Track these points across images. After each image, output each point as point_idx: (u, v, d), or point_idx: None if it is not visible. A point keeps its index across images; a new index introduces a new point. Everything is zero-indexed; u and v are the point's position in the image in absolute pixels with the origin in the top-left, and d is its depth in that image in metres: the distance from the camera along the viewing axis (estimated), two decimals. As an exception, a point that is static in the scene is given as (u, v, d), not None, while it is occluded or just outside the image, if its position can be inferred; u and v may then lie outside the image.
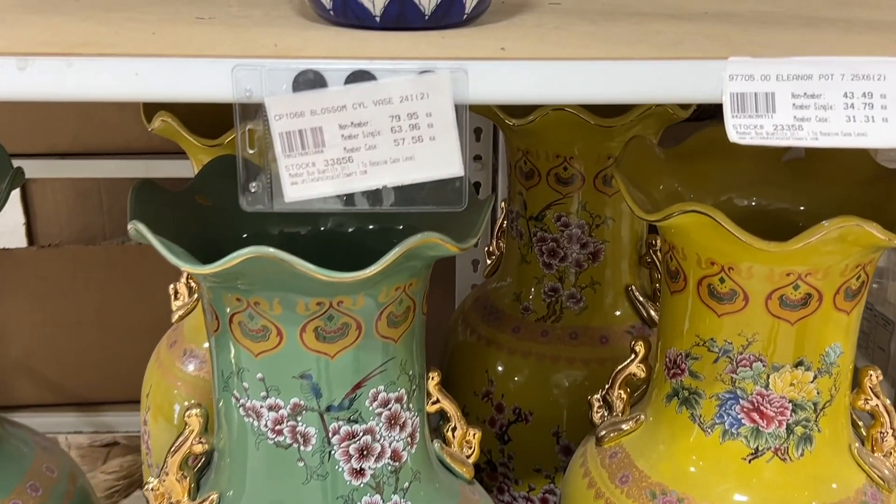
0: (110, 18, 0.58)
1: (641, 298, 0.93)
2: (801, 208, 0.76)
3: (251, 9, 0.63)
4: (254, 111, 0.49)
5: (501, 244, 1.02)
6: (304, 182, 0.49)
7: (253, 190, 0.50)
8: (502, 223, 1.02)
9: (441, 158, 0.49)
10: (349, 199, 0.50)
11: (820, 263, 0.63)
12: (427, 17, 0.55)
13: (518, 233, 0.95)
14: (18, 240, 1.38)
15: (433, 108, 0.49)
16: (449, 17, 0.56)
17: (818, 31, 0.56)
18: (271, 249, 0.52)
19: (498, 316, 0.96)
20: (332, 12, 0.56)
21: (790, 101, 0.48)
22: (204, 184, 0.68)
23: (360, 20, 0.56)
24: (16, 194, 1.39)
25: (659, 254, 0.93)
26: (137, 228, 0.56)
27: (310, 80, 0.48)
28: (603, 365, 0.90)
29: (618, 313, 0.93)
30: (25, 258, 1.30)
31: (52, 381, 1.27)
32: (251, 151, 0.49)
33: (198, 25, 0.57)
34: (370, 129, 0.49)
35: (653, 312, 0.93)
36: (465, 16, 0.57)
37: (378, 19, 0.55)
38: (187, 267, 0.54)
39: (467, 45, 0.52)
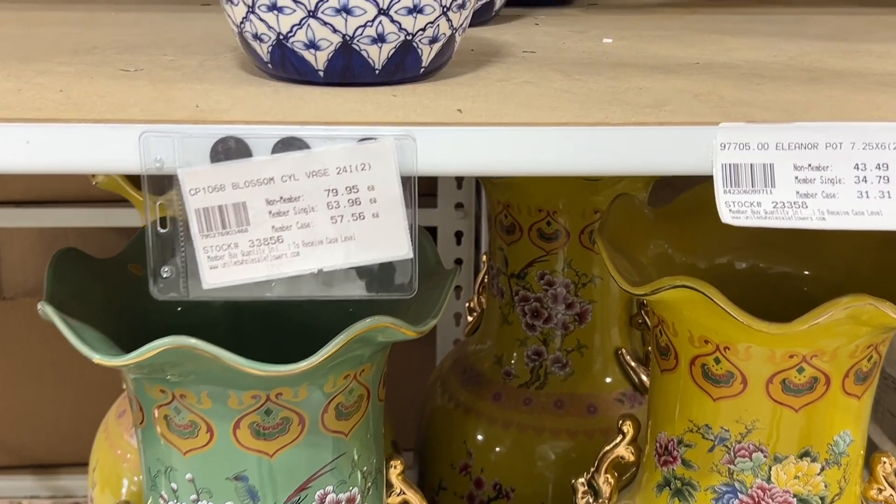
0: (21, 71, 0.51)
1: (633, 363, 0.85)
2: (806, 272, 0.69)
3: (188, 57, 0.57)
4: (166, 184, 0.42)
5: (483, 300, 0.94)
6: (226, 266, 0.42)
7: (165, 275, 0.43)
8: (483, 278, 0.95)
9: (386, 238, 0.42)
10: (279, 285, 0.43)
11: (827, 345, 0.56)
12: (378, 72, 0.49)
13: (499, 291, 0.87)
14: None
15: (376, 181, 0.42)
16: (403, 72, 0.49)
17: (823, 87, 0.49)
18: (192, 340, 0.45)
19: (478, 380, 0.89)
20: (269, 66, 0.50)
21: (792, 174, 0.41)
22: (137, 251, 0.61)
23: (301, 75, 0.49)
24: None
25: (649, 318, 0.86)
26: (45, 311, 0.49)
27: (230, 149, 0.41)
28: (591, 437, 0.83)
29: (607, 380, 0.86)
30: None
31: (9, 443, 1.19)
32: (163, 231, 0.42)
33: (118, 80, 0.50)
34: (303, 204, 0.42)
35: (645, 377, 0.86)
36: (423, 69, 0.50)
37: (321, 74, 0.48)
38: (98, 358, 0.47)
39: (419, 106, 0.45)
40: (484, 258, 0.94)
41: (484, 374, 0.89)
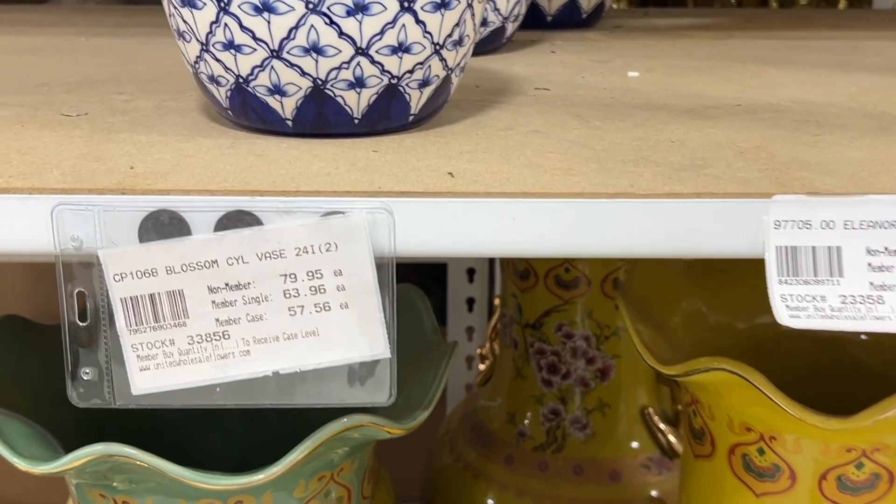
0: (-57, 117, 0.44)
1: (661, 424, 0.77)
2: (862, 336, 0.61)
3: (146, 97, 0.49)
4: (86, 268, 0.34)
5: (496, 347, 0.86)
6: (160, 367, 0.34)
7: (86, 377, 0.35)
8: (496, 324, 0.86)
9: (357, 334, 0.34)
10: (226, 390, 0.35)
11: (893, 439, 0.47)
12: (357, 121, 0.41)
13: (512, 341, 0.79)
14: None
15: (344, 265, 0.34)
16: (388, 120, 0.41)
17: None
18: (125, 449, 0.37)
19: (488, 440, 0.80)
20: (230, 112, 0.42)
21: (864, 261, 0.33)
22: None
23: (266, 124, 0.41)
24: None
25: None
26: (-37, 403, 0.42)
27: (164, 225, 0.33)
28: (613, 508, 0.74)
29: (633, 443, 0.77)
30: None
31: None
32: (82, 324, 0.34)
33: (53, 128, 0.42)
34: (254, 292, 0.34)
35: (674, 439, 0.77)
36: (412, 116, 0.42)
37: (289, 123, 0.41)
38: (19, 463, 0.39)
39: (403, 167, 0.37)
40: (497, 302, 0.86)
41: (495, 433, 0.80)
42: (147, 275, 0.34)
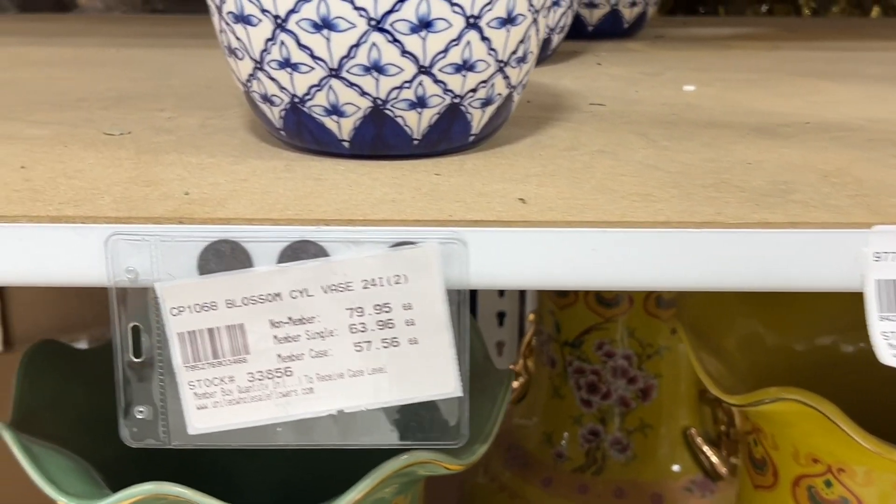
0: (-19, 136, 0.42)
1: (705, 447, 0.75)
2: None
3: (188, 114, 0.47)
4: (141, 302, 0.32)
5: (529, 364, 0.84)
6: (218, 406, 0.32)
7: (140, 416, 0.33)
8: (530, 340, 0.84)
9: (427, 371, 0.32)
10: (287, 430, 0.33)
11: (970, 473, 0.45)
12: (417, 142, 0.39)
13: (549, 359, 0.77)
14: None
15: (414, 298, 0.32)
16: (448, 141, 0.39)
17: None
18: (178, 488, 0.35)
19: (524, 461, 0.78)
20: (283, 133, 0.40)
21: (971, 295, 0.31)
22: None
23: (321, 145, 0.39)
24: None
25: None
26: (3, 436, 0.40)
27: (225, 257, 0.32)
28: (656, 532, 0.72)
29: (675, 466, 0.75)
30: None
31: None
32: (137, 360, 0.33)
33: (97, 149, 0.41)
34: (318, 327, 0.32)
35: (716, 460, 0.75)
36: (472, 137, 0.40)
37: (346, 145, 0.39)
38: (64, 501, 0.38)
39: (470, 191, 0.35)
40: (531, 318, 0.84)
41: (531, 453, 0.78)
42: (206, 308, 0.32)
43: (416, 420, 0.33)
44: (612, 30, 0.73)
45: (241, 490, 0.55)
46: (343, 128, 0.38)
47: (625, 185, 0.36)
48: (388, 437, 0.33)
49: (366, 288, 0.32)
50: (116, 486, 0.43)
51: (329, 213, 0.32)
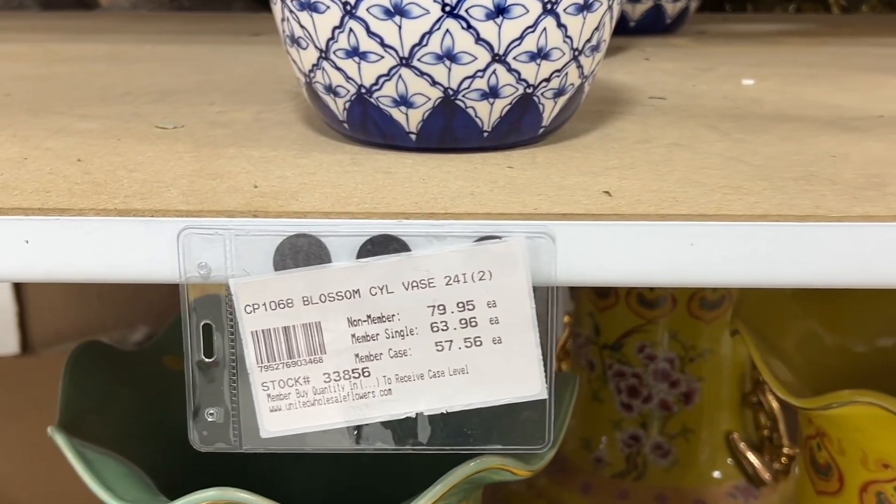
0: (32, 129, 0.41)
1: (749, 452, 0.73)
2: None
3: (239, 108, 0.46)
4: (213, 298, 0.31)
5: (563, 367, 0.83)
6: (292, 408, 0.31)
7: (210, 419, 0.31)
8: (565, 343, 0.83)
9: (511, 372, 0.31)
10: (362, 432, 0.32)
11: None
12: (486, 134, 0.37)
13: (588, 362, 0.76)
14: (9, 338, 1.22)
15: (499, 296, 0.30)
16: (518, 133, 0.38)
17: None
18: (242, 494, 0.34)
19: (561, 466, 0.77)
20: (345, 125, 0.38)
21: None
22: (175, 338, 0.50)
23: (386, 138, 0.38)
24: (6, 286, 1.23)
25: (771, 400, 0.73)
26: (55, 440, 0.38)
27: (302, 252, 0.30)
28: (699, 539, 0.71)
29: (718, 472, 0.73)
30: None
31: (32, 511, 1.09)
32: (208, 360, 0.31)
33: (152, 142, 0.39)
34: (398, 325, 0.31)
35: (759, 465, 0.73)
36: (542, 129, 0.39)
37: (413, 137, 0.37)
38: (122, 510, 0.36)
39: (548, 184, 0.33)
40: (566, 320, 0.82)
41: (569, 458, 0.77)
42: (282, 306, 0.30)
43: (501, 421, 0.32)
44: (654, 25, 0.71)
45: (288, 493, 0.53)
46: (411, 119, 0.37)
47: (711, 177, 0.34)
48: (467, 441, 0.32)
49: (448, 284, 0.30)
50: (165, 490, 0.41)
51: (407, 207, 0.31)
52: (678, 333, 0.71)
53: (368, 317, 0.31)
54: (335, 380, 0.31)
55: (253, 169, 0.35)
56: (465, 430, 0.32)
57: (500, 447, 0.32)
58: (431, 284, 0.30)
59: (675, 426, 0.73)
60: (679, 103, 0.47)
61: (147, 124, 0.42)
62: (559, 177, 0.35)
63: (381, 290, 0.30)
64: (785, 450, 0.74)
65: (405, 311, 0.31)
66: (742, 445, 0.74)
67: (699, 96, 0.49)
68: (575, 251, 0.30)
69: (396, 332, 0.31)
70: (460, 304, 0.31)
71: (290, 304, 0.30)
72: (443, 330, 0.31)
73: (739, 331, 0.49)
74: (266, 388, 0.31)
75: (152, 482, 0.42)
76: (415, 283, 0.30)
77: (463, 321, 0.31)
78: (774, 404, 0.75)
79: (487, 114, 0.37)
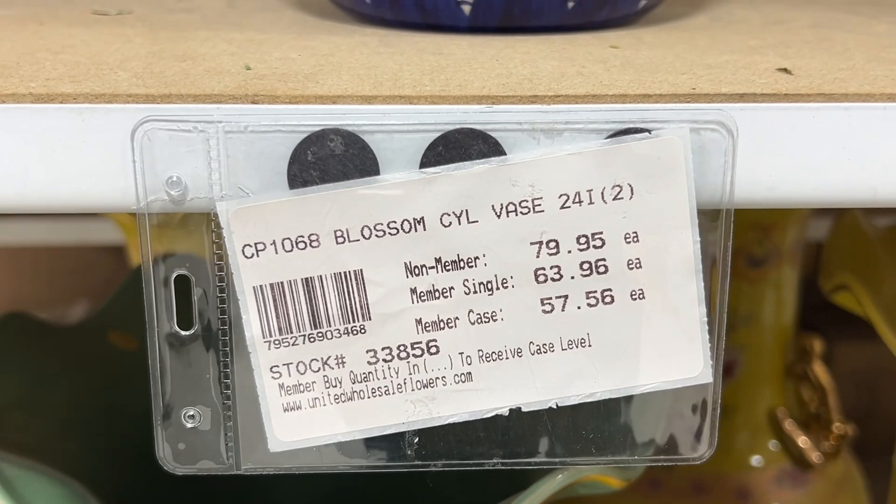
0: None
1: (796, 432, 0.63)
2: None
3: (205, -3, 0.34)
4: (192, 234, 0.19)
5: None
6: (317, 405, 0.20)
7: (190, 424, 0.20)
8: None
9: (659, 344, 0.20)
10: (425, 441, 0.20)
11: None
12: (572, 5, 0.26)
13: (607, 331, 0.65)
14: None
15: (642, 225, 0.19)
16: (615, 7, 0.27)
17: None
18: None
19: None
20: (369, 2, 0.27)
21: None
22: (121, 309, 0.38)
23: (426, 15, 0.26)
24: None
25: (817, 369, 0.64)
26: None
27: (333, 157, 0.19)
28: (744, 534, 0.61)
29: (761, 455, 0.63)
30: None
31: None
32: (185, 333, 0.20)
33: (88, 26, 0.27)
34: (484, 274, 0.20)
35: (806, 446, 0.64)
36: (641, 5, 0.28)
37: (467, 10, 0.26)
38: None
39: (688, 62, 0.22)
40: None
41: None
42: (301, 245, 0.19)
43: (627, 421, 0.21)
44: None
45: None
46: (466, -16, 0.25)
47: (889, 57, 0.23)
48: (591, 448, 0.21)
49: (564, 207, 0.19)
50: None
51: (493, 90, 0.20)
52: (717, 296, 0.61)
53: (437, 261, 0.19)
54: (385, 360, 0.20)
55: (238, 51, 0.24)
56: (584, 433, 0.21)
57: (643, 458, 0.21)
58: (537, 207, 0.19)
59: (712, 403, 0.63)
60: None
61: (80, 11, 0.31)
62: (696, 55, 0.24)
63: (459, 217, 0.19)
64: (835, 427, 0.65)
65: (495, 251, 0.19)
66: (788, 423, 0.64)
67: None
68: (761, 151, 0.19)
69: (480, 284, 0.20)
70: (582, 240, 0.20)
71: (314, 243, 0.19)
72: (554, 279, 0.20)
73: (850, 286, 0.39)
74: (276, 375, 0.20)
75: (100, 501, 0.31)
76: (512, 207, 0.19)
77: (585, 266, 0.20)
78: (823, 376, 0.66)
79: (574, -24, 0.25)
